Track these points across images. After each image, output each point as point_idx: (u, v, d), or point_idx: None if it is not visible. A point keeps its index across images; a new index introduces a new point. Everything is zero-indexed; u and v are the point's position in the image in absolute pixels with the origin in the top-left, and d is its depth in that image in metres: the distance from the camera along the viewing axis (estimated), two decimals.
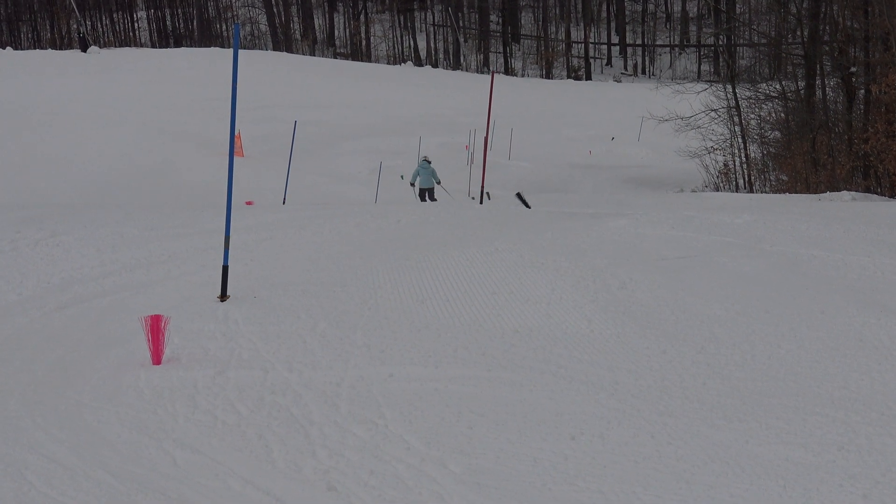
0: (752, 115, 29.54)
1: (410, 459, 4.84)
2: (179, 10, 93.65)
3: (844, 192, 18.46)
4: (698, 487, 4.46)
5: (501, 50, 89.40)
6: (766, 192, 25.85)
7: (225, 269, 8.13)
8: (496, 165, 31.54)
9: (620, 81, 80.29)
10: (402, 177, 31.09)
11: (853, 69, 22.82)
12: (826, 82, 25.38)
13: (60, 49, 72.94)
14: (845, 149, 22.68)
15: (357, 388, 5.87)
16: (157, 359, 6.41)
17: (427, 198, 23.74)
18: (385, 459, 4.85)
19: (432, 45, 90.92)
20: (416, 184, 24.04)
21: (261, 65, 56.36)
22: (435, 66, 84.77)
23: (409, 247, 10.22)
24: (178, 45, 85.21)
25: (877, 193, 19.82)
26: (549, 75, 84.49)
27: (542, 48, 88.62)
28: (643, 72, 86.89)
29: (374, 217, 12.76)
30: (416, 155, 33.80)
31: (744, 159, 29.43)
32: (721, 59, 39.88)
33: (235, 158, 8.74)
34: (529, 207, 16.08)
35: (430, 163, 24.09)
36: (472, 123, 36.42)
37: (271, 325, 7.25)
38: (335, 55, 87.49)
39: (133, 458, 4.94)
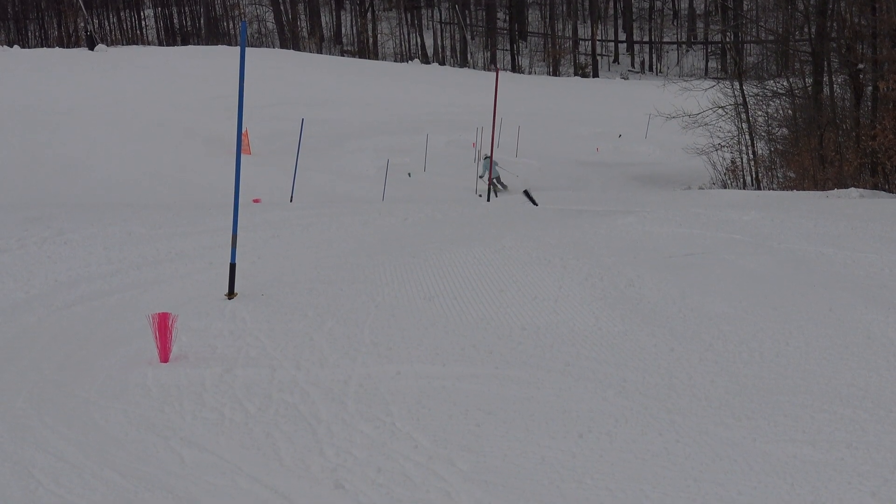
0: (760, 112, 29.46)
1: (418, 457, 4.84)
2: (186, 8, 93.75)
3: (852, 189, 18.39)
4: (706, 485, 4.45)
5: (508, 47, 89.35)
6: (773, 189, 25.79)
7: (232, 266, 8.14)
8: (504, 163, 31.56)
9: (628, 79, 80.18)
10: (409, 174, 31.13)
11: (861, 66, 22.75)
12: (834, 79, 25.30)
13: (67, 47, 73.00)
14: (853, 146, 22.61)
15: (364, 385, 5.87)
16: (164, 357, 6.41)
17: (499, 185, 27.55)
18: (392, 457, 4.85)
19: (439, 42, 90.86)
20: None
21: (268, 63, 56.34)
22: (442, 63, 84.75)
23: (416, 244, 10.22)
24: (185, 42, 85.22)
25: (885, 190, 19.75)
26: (556, 73, 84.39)
27: (550, 45, 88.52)
28: (650, 69, 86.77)
29: (381, 215, 12.77)
30: (423, 152, 33.84)
31: (751, 156, 29.37)
32: (728, 56, 39.73)
33: (243, 156, 8.74)
34: (536, 205, 16.07)
35: (488, 157, 26.43)
36: (479, 121, 36.40)
37: (279, 323, 7.25)
38: (342, 53, 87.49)
39: (140, 456, 4.95)
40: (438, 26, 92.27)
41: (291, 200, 20.64)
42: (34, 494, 4.48)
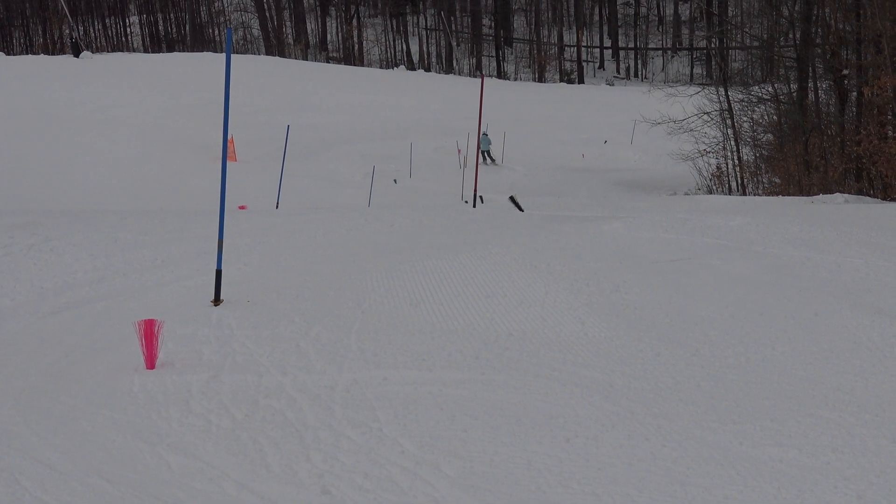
0: (745, 118, 29.58)
1: (405, 463, 4.84)
2: (172, 15, 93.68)
3: (837, 195, 18.47)
4: (693, 489, 4.46)
5: (494, 54, 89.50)
6: (758, 195, 25.87)
7: (218, 273, 8.12)
8: (489, 169, 31.60)
9: (613, 85, 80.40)
10: (395, 181, 31.14)
11: (845, 72, 22.86)
12: (818, 85, 25.40)
13: (53, 54, 72.82)
14: (838, 151, 22.71)
15: (351, 391, 5.87)
16: (150, 363, 6.39)
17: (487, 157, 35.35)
18: (379, 463, 4.84)
19: (425, 49, 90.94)
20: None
21: (253, 69, 56.32)
22: (427, 70, 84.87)
23: (402, 250, 10.22)
24: (170, 49, 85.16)
25: (869, 195, 19.84)
26: (541, 79, 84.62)
27: (535, 52, 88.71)
28: (635, 75, 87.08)
29: (367, 221, 12.77)
30: (409, 159, 33.90)
31: (736, 162, 29.46)
32: (713, 62, 39.93)
33: (229, 163, 8.73)
34: (523, 211, 16.08)
35: (486, 134, 34.37)
36: (465, 127, 36.47)
37: (265, 330, 7.24)
38: (328, 59, 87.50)
39: (127, 463, 4.93)
40: (424, 33, 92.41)
41: (277, 207, 20.59)
42: (21, 501, 4.46)
